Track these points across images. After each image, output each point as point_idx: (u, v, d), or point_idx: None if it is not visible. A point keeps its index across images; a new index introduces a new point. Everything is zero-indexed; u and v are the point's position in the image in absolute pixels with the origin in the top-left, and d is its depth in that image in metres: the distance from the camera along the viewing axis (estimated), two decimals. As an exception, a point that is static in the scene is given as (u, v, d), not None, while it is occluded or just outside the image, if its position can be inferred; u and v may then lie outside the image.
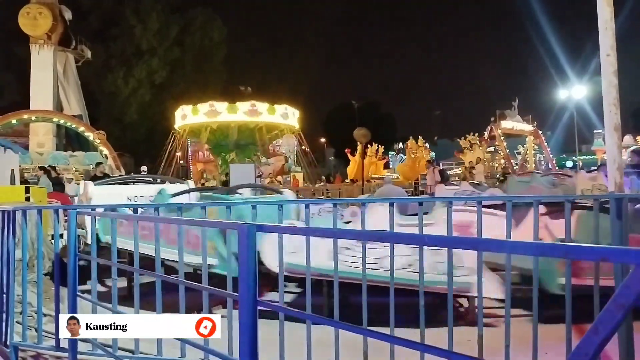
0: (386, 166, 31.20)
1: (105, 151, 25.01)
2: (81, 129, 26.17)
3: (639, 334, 2.79)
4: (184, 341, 2.58)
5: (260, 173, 21.38)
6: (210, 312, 2.89)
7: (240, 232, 1.77)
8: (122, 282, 5.52)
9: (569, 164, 33.70)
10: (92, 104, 36.01)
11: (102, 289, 5.40)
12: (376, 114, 57.04)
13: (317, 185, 22.64)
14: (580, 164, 34.02)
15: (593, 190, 8.53)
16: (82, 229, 6.45)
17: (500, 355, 2.73)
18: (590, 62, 36.75)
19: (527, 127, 39.33)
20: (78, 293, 3.03)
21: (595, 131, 40.39)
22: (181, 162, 30.32)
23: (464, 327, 3.74)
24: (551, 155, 40.32)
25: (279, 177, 25.18)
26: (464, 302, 5.01)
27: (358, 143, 22.82)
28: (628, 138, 32.67)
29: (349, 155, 26.32)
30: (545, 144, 40.92)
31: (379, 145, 26.89)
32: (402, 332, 2.48)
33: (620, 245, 2.88)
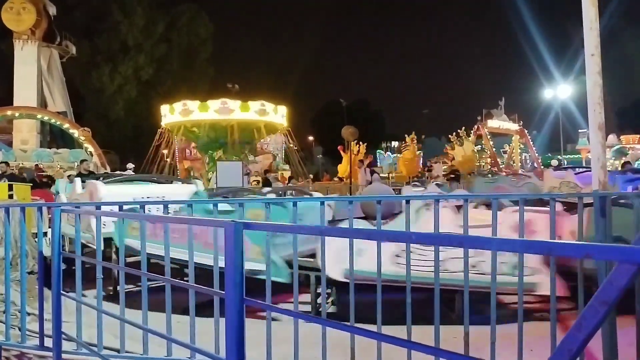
0: (373, 164, 31.25)
1: (91, 148, 24.75)
2: (66, 125, 25.85)
3: (622, 330, 2.83)
4: (170, 340, 2.56)
5: (248, 171, 21.29)
6: (197, 311, 2.87)
7: (226, 230, 1.77)
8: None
9: (554, 162, 34.06)
10: (77, 100, 35.56)
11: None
12: (365, 112, 57.15)
13: (299, 183, 22.57)
14: (566, 162, 34.41)
15: (561, 188, 8.79)
16: (88, 233, 6.06)
17: (486, 352, 2.76)
18: (575, 62, 37.26)
19: (513, 127, 39.75)
20: (62, 292, 2.99)
21: (579, 130, 40.90)
22: (168, 159, 30.09)
23: (451, 325, 3.77)
24: (537, 154, 40.80)
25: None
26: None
27: (346, 141, 22.79)
28: (612, 137, 33.18)
29: (341, 152, 26.22)
30: (531, 143, 41.41)
31: (360, 144, 26.85)
32: (389, 330, 2.49)
33: (603, 242, 2.91)
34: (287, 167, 29.73)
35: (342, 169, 25.58)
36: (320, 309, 3.99)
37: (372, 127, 42.11)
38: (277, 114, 26.10)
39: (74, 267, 3.21)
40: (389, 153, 34.80)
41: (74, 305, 3.10)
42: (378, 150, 35.29)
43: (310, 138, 52.97)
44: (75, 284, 3.15)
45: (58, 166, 22.19)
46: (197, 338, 2.70)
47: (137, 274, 2.83)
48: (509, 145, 39.93)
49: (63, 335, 3.11)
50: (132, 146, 38.02)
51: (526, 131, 41.38)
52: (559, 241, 1.08)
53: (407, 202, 3.06)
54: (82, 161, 15.28)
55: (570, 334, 1.06)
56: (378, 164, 33.11)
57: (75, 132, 25.34)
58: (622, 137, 38.34)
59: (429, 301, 2.90)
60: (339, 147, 26.46)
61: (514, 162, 38.06)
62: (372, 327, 2.51)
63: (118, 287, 3.89)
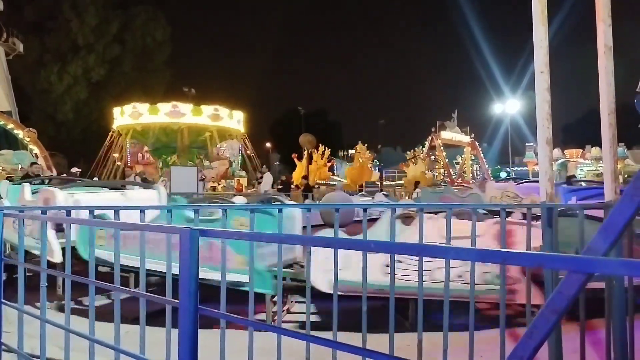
0: (330, 170, 31.48)
1: (36, 150, 23.70)
2: (10, 126, 24.66)
3: (566, 337, 2.94)
4: (118, 350, 2.46)
5: (203, 177, 20.95)
6: (147, 320, 2.78)
7: (182, 236, 1.72)
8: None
9: (503, 174, 35.35)
10: (23, 100, 34.06)
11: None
12: (323, 121, 57.51)
13: (250, 190, 22.41)
14: (513, 174, 35.77)
15: (502, 198, 9.18)
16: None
17: (438, 358, 2.80)
18: (524, 78, 38.97)
19: (465, 139, 41.06)
20: (3, 300, 2.83)
21: (527, 144, 42.67)
22: (119, 163, 29.22)
23: (405, 333, 3.82)
24: (487, 166, 42.22)
25: (223, 181, 24.81)
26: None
27: (303, 149, 22.89)
28: (557, 151, 34.80)
29: (295, 160, 26.32)
30: (482, 155, 42.84)
31: (326, 148, 27.00)
32: (344, 338, 2.49)
33: (550, 252, 3.03)
34: (243, 173, 29.47)
35: (297, 176, 25.66)
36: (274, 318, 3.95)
37: (329, 136, 42.34)
38: (234, 120, 25.96)
39: (16, 275, 3.05)
40: (345, 162, 35.14)
41: (15, 315, 2.94)
42: (335, 159, 35.56)
43: (268, 145, 52.77)
44: (18, 293, 2.99)
45: (0, 168, 21.10)
46: (148, 349, 2.61)
47: (85, 282, 2.71)
48: (462, 157, 41.14)
49: (3, 347, 2.95)
50: (81, 149, 36.70)
51: (477, 143, 42.82)
52: (513, 250, 1.11)
53: (365, 210, 3.08)
54: (32, 164, 14.64)
55: (522, 342, 1.09)
56: (335, 172, 33.35)
57: (20, 133, 24.21)
58: (566, 151, 40.32)
59: (384, 309, 2.93)
60: (293, 155, 26.56)
61: (465, 173, 39.23)
62: (328, 335, 2.50)
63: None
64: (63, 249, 5.21)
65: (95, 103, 39.69)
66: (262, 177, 19.19)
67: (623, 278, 2.86)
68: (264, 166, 22.24)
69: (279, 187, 18.48)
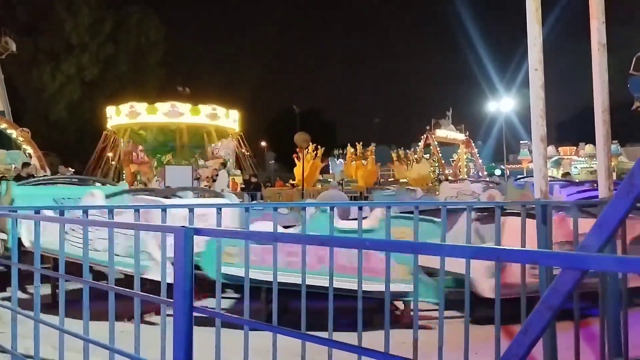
0: (325, 170, 31.49)
1: (29, 150, 23.55)
2: (3, 125, 24.51)
3: (560, 333, 2.95)
4: (113, 350, 2.45)
5: (198, 176, 20.89)
6: (142, 319, 2.77)
7: (176, 236, 1.71)
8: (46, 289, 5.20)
9: (498, 172, 35.43)
10: (16, 100, 33.86)
11: (24, 296, 5.08)
12: (317, 119, 57.50)
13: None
14: (508, 172, 35.89)
15: (458, 197, 9.38)
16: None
17: (434, 356, 2.81)
18: (518, 76, 39.13)
19: (460, 136, 41.17)
20: (-4, 301, 2.81)
21: (521, 142, 42.81)
22: (113, 162, 29.09)
23: (400, 330, 3.82)
24: (481, 164, 42.35)
25: (217, 180, 24.73)
26: (400, 305, 5.14)
27: (298, 148, 22.86)
28: (551, 149, 34.95)
29: (295, 160, 26.31)
30: (476, 152, 42.96)
31: (318, 148, 27.10)
32: (339, 336, 2.49)
33: (545, 249, 3.03)
34: (238, 172, 29.41)
35: (297, 175, 25.71)
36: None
37: (324, 135, 42.33)
38: (229, 119, 25.88)
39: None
40: (340, 160, 35.15)
41: (9, 315, 2.92)
42: (330, 158, 35.58)
43: (263, 143, 52.72)
44: (11, 292, 2.97)
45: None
46: (142, 348, 2.60)
47: (79, 282, 2.70)
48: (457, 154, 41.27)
49: (-4, 348, 2.93)
50: (75, 148, 36.49)
51: (472, 141, 42.96)
52: (507, 247, 1.11)
53: (360, 208, 3.08)
54: (24, 164, 14.56)
55: (517, 339, 1.09)
56: (330, 170, 33.36)
57: (13, 133, 24.06)
58: (560, 148, 40.50)
59: (379, 307, 2.93)
60: (294, 156, 26.67)
61: (460, 171, 39.34)
62: (324, 334, 2.50)
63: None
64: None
65: (89, 102, 39.45)
66: (217, 175, 18.80)
67: (617, 274, 2.87)
68: (221, 164, 22.06)
69: (242, 185, 17.98)
